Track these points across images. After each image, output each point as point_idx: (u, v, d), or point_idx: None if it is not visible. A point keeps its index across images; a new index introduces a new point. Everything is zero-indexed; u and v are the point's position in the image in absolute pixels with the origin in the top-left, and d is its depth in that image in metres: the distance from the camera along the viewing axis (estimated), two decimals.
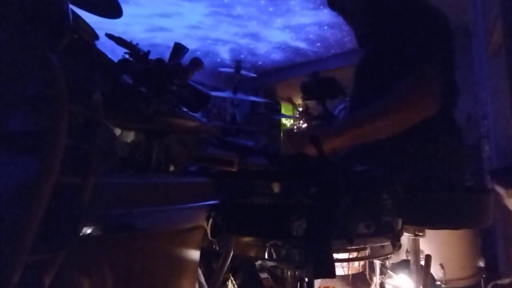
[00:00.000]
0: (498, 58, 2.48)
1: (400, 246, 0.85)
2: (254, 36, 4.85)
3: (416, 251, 1.15)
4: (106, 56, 0.79)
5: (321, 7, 4.02)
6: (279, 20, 4.43)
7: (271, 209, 0.75)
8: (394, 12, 1.27)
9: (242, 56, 5.36)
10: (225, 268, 0.73)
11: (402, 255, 1.41)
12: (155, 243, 0.57)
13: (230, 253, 0.72)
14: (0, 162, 0.39)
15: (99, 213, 0.49)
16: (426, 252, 1.16)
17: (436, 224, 1.09)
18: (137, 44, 1.04)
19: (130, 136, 0.98)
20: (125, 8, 0.90)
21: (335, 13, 1.50)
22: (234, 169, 1.03)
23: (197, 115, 1.10)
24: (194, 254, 0.66)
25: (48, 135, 0.38)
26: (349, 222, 0.73)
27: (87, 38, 0.69)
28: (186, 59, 1.07)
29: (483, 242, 1.76)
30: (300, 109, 4.69)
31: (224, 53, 5.38)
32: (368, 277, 1.77)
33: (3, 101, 0.40)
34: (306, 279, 0.80)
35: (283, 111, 6.46)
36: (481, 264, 1.64)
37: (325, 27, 4.51)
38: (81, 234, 0.45)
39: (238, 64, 4.07)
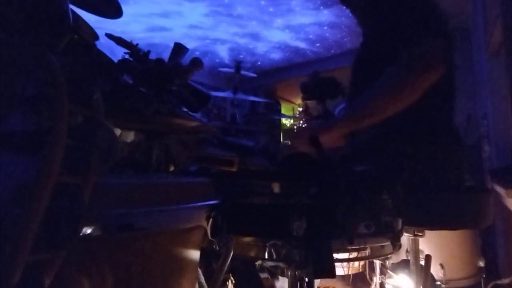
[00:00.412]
0: (498, 58, 2.48)
1: (400, 246, 0.85)
2: (254, 36, 4.85)
3: (416, 251, 1.15)
4: (106, 56, 0.79)
5: (321, 7, 4.02)
6: (279, 20, 4.43)
7: (271, 209, 0.75)
8: (396, 4, 1.26)
9: (241, 56, 5.36)
10: (225, 268, 0.73)
11: (402, 255, 1.41)
12: (155, 243, 0.57)
13: (230, 253, 0.72)
14: (0, 162, 0.39)
15: (99, 213, 0.49)
16: (426, 252, 1.16)
17: (436, 224, 1.08)
18: (137, 44, 1.04)
19: (130, 136, 0.98)
20: (124, 8, 0.90)
21: (338, 11, 1.49)
22: (234, 169, 1.03)
23: (197, 115, 1.10)
24: (194, 254, 0.66)
25: (48, 135, 0.38)
26: (349, 222, 0.73)
27: (87, 38, 0.69)
28: (186, 59, 1.07)
29: (483, 242, 1.76)
30: (300, 109, 4.69)
31: (224, 53, 5.38)
32: (368, 277, 1.77)
33: (3, 101, 0.40)
34: (306, 279, 0.80)
35: (283, 111, 6.46)
36: (481, 264, 1.64)
37: (325, 27, 4.51)
38: (81, 234, 0.45)
39: (238, 64, 4.07)
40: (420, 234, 1.10)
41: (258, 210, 0.76)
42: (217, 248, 0.74)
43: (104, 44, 0.82)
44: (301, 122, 3.70)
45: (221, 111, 6.21)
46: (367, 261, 1.72)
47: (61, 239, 0.41)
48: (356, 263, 1.78)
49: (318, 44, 5.03)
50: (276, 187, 0.77)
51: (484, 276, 1.65)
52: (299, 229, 0.69)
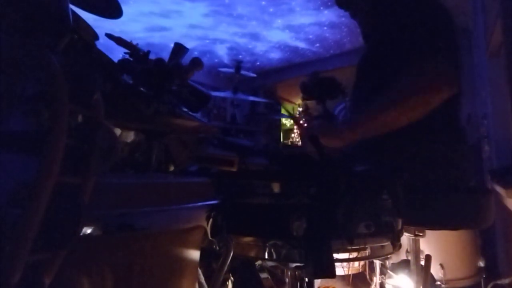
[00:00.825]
0: (498, 58, 2.48)
1: (400, 246, 0.85)
2: (254, 36, 4.85)
3: (416, 251, 1.15)
4: (106, 56, 0.79)
5: (321, 7, 4.02)
6: (279, 20, 4.43)
7: (271, 209, 0.75)
8: (399, 7, 1.26)
9: (240, 56, 5.36)
10: (225, 268, 0.73)
11: (402, 255, 1.41)
12: (155, 243, 0.57)
13: (230, 253, 0.72)
14: (0, 162, 0.39)
15: (99, 213, 0.49)
16: (426, 252, 1.16)
17: (436, 224, 1.08)
18: (137, 44, 1.04)
19: (130, 136, 0.98)
20: (124, 7, 0.90)
21: (338, 12, 1.49)
22: (234, 169, 1.03)
23: (197, 115, 1.10)
24: (194, 254, 0.66)
25: (48, 135, 0.38)
26: (349, 222, 0.73)
27: (87, 38, 0.69)
28: (185, 59, 1.07)
29: (483, 242, 1.76)
30: (300, 109, 4.68)
31: (223, 53, 5.38)
32: (368, 277, 1.77)
33: (3, 101, 0.40)
34: (306, 279, 0.80)
35: (283, 111, 6.46)
36: (481, 264, 1.64)
37: (325, 28, 4.51)
38: (81, 234, 0.45)
39: (238, 64, 4.07)
40: (420, 234, 1.10)
41: (258, 210, 0.76)
42: (217, 248, 0.74)
43: (104, 44, 0.82)
44: (301, 122, 3.70)
45: (221, 111, 6.20)
46: (367, 261, 1.71)
47: (61, 239, 0.41)
48: (356, 263, 1.78)
49: (317, 44, 5.03)
50: (276, 187, 0.77)
51: (484, 276, 1.65)
52: (299, 229, 0.69)
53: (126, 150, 0.96)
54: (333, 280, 1.78)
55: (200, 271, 0.78)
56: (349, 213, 0.72)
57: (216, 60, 5.45)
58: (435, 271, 1.54)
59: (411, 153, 1.17)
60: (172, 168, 1.03)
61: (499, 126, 2.51)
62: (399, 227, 0.83)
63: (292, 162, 0.89)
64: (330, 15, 4.16)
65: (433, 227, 1.13)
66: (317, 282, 1.57)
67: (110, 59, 0.81)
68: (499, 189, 1.70)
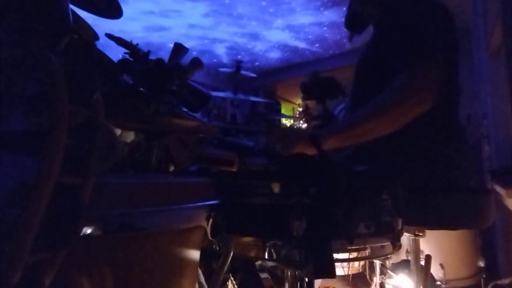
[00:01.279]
0: (498, 58, 2.48)
1: (400, 246, 0.85)
2: (254, 36, 4.86)
3: (416, 251, 1.15)
4: (106, 56, 0.79)
5: (321, 8, 4.03)
6: (279, 21, 4.43)
7: (271, 209, 0.75)
8: (399, 4, 1.26)
9: (240, 56, 5.36)
10: (225, 268, 0.73)
11: (402, 255, 1.41)
12: (155, 243, 0.57)
13: (230, 253, 0.72)
14: (0, 162, 0.39)
15: (99, 213, 0.49)
16: (426, 252, 1.16)
17: (436, 224, 1.08)
18: (137, 44, 1.04)
19: (130, 136, 0.98)
20: (123, 6, 0.90)
21: (338, 12, 1.49)
22: (234, 169, 1.03)
23: (197, 115, 1.10)
24: (194, 254, 0.66)
25: (48, 135, 0.38)
26: (349, 222, 0.73)
27: (87, 38, 0.69)
28: (185, 59, 1.07)
29: (483, 242, 1.76)
30: (300, 109, 4.68)
31: (222, 53, 5.38)
32: (368, 277, 1.77)
33: (3, 101, 0.40)
34: (306, 279, 0.80)
35: (283, 111, 6.47)
36: (481, 264, 1.64)
37: (325, 28, 4.51)
38: (81, 234, 0.45)
39: (238, 64, 4.07)
40: (421, 234, 1.10)
41: (258, 210, 0.76)
42: (217, 248, 0.74)
43: (104, 44, 0.82)
44: (301, 122, 3.70)
45: (221, 111, 6.20)
46: (367, 261, 1.71)
47: (61, 239, 0.41)
48: (356, 263, 1.78)
49: (317, 45, 5.03)
50: (276, 187, 0.77)
51: (484, 276, 1.65)
52: (299, 229, 0.69)
53: (126, 150, 0.96)
54: (333, 280, 1.78)
55: (200, 271, 0.78)
56: (349, 213, 0.72)
57: (214, 60, 5.45)
58: (435, 271, 1.54)
59: (411, 153, 1.17)
60: (172, 168, 1.03)
61: (499, 126, 2.51)
62: (399, 227, 0.83)
63: (292, 162, 0.89)
64: (330, 15, 4.16)
65: (433, 227, 1.13)
66: (317, 282, 1.57)
67: (110, 59, 0.81)
68: (499, 189, 1.70)
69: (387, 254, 0.87)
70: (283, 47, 5.19)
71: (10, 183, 0.38)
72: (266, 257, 0.74)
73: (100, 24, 0.80)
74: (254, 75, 4.49)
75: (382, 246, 0.83)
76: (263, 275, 1.07)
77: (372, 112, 1.14)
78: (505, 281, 1.77)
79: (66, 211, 0.41)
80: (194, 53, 4.95)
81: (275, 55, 5.48)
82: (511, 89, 1.85)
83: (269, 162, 1.05)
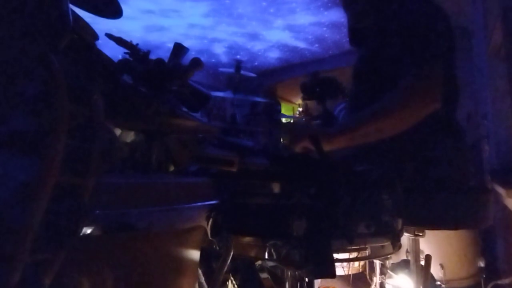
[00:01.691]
0: (498, 58, 2.48)
1: (400, 246, 0.85)
2: (253, 36, 4.86)
3: (416, 251, 1.15)
4: (106, 56, 0.79)
5: (321, 9, 4.03)
6: (279, 21, 4.43)
7: (271, 209, 0.75)
8: (395, 10, 1.27)
9: (239, 56, 5.36)
10: (225, 268, 0.73)
11: (402, 255, 1.41)
12: (155, 243, 0.57)
13: (230, 253, 0.72)
14: (0, 162, 0.39)
15: (99, 213, 0.49)
16: (426, 252, 1.16)
17: (436, 224, 1.08)
18: (137, 44, 1.04)
19: (130, 136, 0.98)
20: (123, 6, 0.90)
21: (338, 13, 1.49)
22: (234, 169, 1.03)
23: (197, 115, 1.10)
24: (194, 254, 0.66)
25: (48, 135, 0.38)
26: (349, 222, 0.73)
27: (87, 38, 0.69)
28: (185, 59, 1.07)
29: (483, 242, 1.76)
30: (300, 109, 4.68)
31: (221, 52, 5.38)
32: (368, 277, 1.77)
33: (3, 101, 0.40)
34: (306, 279, 0.80)
35: (283, 111, 6.46)
36: (481, 264, 1.64)
37: (324, 28, 4.51)
38: (81, 234, 0.45)
39: (238, 64, 4.07)
40: (420, 234, 1.10)
41: (258, 210, 0.76)
42: (217, 248, 0.74)
43: (104, 44, 0.82)
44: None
45: (221, 111, 6.20)
46: (367, 261, 1.72)
47: (61, 239, 0.41)
48: (356, 263, 1.78)
49: (317, 45, 5.03)
50: (276, 187, 0.77)
51: (484, 276, 1.65)
52: (299, 229, 0.69)
53: (126, 150, 0.96)
54: (333, 280, 1.78)
55: (200, 271, 0.78)
56: (349, 213, 0.72)
57: (213, 60, 5.45)
58: (435, 271, 1.54)
59: (411, 153, 1.17)
60: (172, 168, 1.03)
61: (499, 126, 2.51)
62: (399, 227, 0.83)
63: (292, 162, 0.89)
64: (330, 15, 4.16)
65: (433, 227, 1.13)
66: (317, 282, 1.57)
67: (110, 59, 0.81)
68: (499, 189, 1.70)
69: (387, 254, 0.87)
70: (282, 47, 5.19)
71: (10, 183, 0.38)
72: (266, 257, 0.74)
73: (99, 23, 0.80)
74: (254, 75, 4.49)
75: (382, 246, 0.83)
76: (263, 275, 1.07)
77: (381, 111, 1.14)
78: (505, 281, 1.78)
79: (66, 211, 0.41)
80: (193, 52, 4.94)
81: (274, 55, 5.48)
82: (511, 89, 1.86)
83: (269, 162, 1.05)
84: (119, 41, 1.01)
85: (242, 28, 4.64)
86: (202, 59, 1.05)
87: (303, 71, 4.84)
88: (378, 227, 0.77)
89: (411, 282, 1.18)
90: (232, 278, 0.98)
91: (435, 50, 1.15)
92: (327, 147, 1.16)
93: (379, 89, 1.17)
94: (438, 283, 1.53)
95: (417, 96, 1.12)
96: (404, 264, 1.39)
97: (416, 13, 1.21)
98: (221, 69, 4.51)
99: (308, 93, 2.92)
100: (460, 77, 1.30)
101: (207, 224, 0.69)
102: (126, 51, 1.02)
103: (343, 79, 2.83)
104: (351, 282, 1.87)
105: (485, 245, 1.80)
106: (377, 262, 1.60)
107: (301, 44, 5.06)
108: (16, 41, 0.42)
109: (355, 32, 1.47)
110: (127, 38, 1.03)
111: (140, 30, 4.62)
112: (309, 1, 3.95)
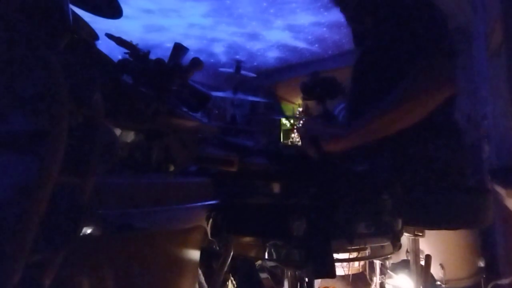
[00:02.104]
0: (498, 58, 2.47)
1: (400, 246, 0.85)
2: (253, 36, 4.85)
3: (416, 251, 1.15)
4: (106, 56, 0.79)
5: (321, 9, 4.03)
6: (279, 21, 4.43)
7: (271, 209, 0.75)
8: (393, 7, 1.27)
9: (239, 56, 5.35)
10: (225, 268, 0.73)
11: (402, 255, 1.41)
12: (155, 243, 0.57)
13: (230, 253, 0.72)
14: (0, 162, 0.39)
15: (99, 213, 0.49)
16: (426, 252, 1.16)
17: (436, 224, 1.08)
18: (137, 44, 1.04)
19: (130, 136, 0.98)
20: (122, 5, 0.90)
21: (338, 13, 1.49)
22: (234, 169, 1.03)
23: (197, 115, 1.10)
24: (194, 254, 0.66)
25: (48, 135, 0.38)
26: (349, 222, 0.73)
27: (87, 38, 0.69)
28: (185, 59, 1.07)
29: (483, 242, 1.76)
30: (300, 109, 4.68)
31: (222, 53, 5.38)
32: (368, 277, 1.77)
33: (3, 101, 0.40)
34: (306, 279, 0.80)
35: (283, 111, 6.46)
36: (481, 264, 1.64)
37: (324, 28, 4.51)
38: (81, 234, 0.45)
39: (237, 64, 4.07)
40: (420, 234, 1.10)
41: (258, 210, 0.76)
42: (217, 248, 0.74)
43: (104, 44, 0.82)
44: (301, 122, 3.70)
45: (221, 111, 6.20)
46: (367, 261, 1.72)
47: (61, 239, 0.41)
48: (356, 263, 1.78)
49: (317, 45, 5.03)
50: (276, 187, 0.77)
51: (484, 276, 1.65)
52: (299, 229, 0.69)
53: (126, 150, 0.96)
54: (333, 280, 1.78)
55: (200, 271, 0.78)
56: (349, 213, 0.72)
57: (212, 60, 5.44)
58: (435, 271, 1.54)
59: (411, 153, 1.17)
60: (172, 168, 1.03)
61: (499, 126, 2.51)
62: (399, 227, 0.83)
63: (292, 162, 0.89)
64: (330, 16, 4.16)
65: (433, 227, 1.13)
66: (317, 282, 1.57)
67: (110, 59, 0.81)
68: (499, 189, 1.69)
69: (387, 254, 0.87)
70: (282, 47, 5.19)
71: (10, 183, 0.38)
72: (266, 257, 0.74)
73: (99, 23, 0.80)
74: (254, 75, 4.48)
75: (382, 246, 0.83)
76: (263, 275, 1.07)
77: (398, 99, 1.13)
78: (505, 281, 1.77)
79: (66, 211, 0.41)
80: (192, 52, 4.94)
81: (274, 55, 5.48)
82: (511, 89, 1.85)
83: (269, 162, 1.05)
84: (119, 41, 1.01)
85: (242, 28, 4.64)
86: (202, 59, 1.05)
87: (303, 71, 4.84)
88: (378, 227, 0.77)
89: (411, 282, 1.19)
90: (232, 278, 0.98)
91: (438, 35, 1.15)
92: (333, 148, 1.16)
93: (379, 89, 1.17)
94: (438, 283, 1.53)
95: (433, 80, 1.11)
96: (404, 264, 1.39)
97: (414, 8, 1.21)
98: (220, 69, 4.50)
99: (308, 93, 2.92)
100: (460, 77, 1.30)
101: (207, 224, 0.69)
102: (126, 51, 1.02)
103: (343, 79, 2.82)
104: (351, 282, 1.87)
105: (485, 245, 1.80)
106: (377, 262, 1.60)
107: (301, 44, 5.06)
108: (16, 40, 0.42)
109: (354, 33, 1.48)
110: (127, 38, 1.03)
111: (140, 30, 4.61)
112: (309, 2, 3.95)
